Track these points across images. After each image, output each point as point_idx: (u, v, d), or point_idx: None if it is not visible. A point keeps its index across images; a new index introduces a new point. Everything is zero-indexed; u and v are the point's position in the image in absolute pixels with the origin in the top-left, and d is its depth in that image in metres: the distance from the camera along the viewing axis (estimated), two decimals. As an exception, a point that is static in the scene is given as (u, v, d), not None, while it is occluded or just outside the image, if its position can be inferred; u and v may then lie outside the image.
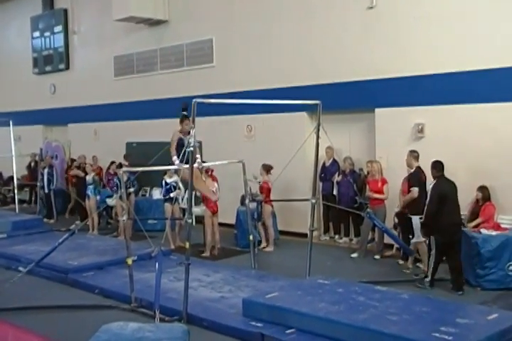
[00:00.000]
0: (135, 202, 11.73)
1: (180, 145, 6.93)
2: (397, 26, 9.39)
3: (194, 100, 6.15)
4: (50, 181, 13.52)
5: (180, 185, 10.22)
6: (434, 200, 7.26)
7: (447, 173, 8.29)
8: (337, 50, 10.22)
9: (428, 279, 7.43)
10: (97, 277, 8.08)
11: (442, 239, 7.26)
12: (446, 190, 7.30)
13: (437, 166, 7.51)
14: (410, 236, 8.40)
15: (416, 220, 7.98)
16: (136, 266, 7.27)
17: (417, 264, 8.49)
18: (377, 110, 9.72)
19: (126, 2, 12.90)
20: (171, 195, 10.18)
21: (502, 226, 7.88)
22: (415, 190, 8.06)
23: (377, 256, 9.22)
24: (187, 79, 12.82)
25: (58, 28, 16.47)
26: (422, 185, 8.12)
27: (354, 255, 9.35)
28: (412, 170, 8.23)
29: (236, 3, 11.87)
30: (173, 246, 10.00)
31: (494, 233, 7.56)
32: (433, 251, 7.35)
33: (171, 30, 13.37)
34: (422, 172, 8.23)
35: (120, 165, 11.52)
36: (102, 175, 12.89)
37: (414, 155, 8.29)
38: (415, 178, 8.19)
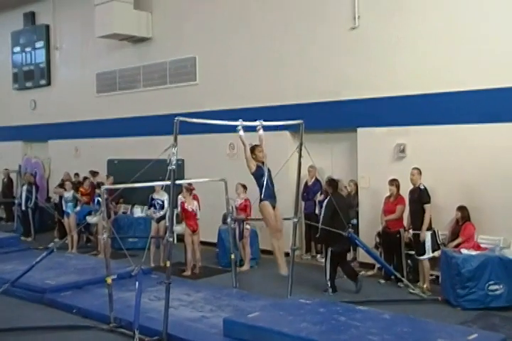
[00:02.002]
0: (116, 219, 11.63)
1: (259, 175, 6.79)
2: (379, 47, 9.52)
3: (176, 118, 6.13)
4: (28, 198, 13.35)
5: (166, 203, 10.15)
6: (328, 216, 8.12)
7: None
8: (320, 70, 10.31)
9: (329, 286, 8.25)
10: (75, 296, 7.92)
11: (338, 249, 8.18)
12: (339, 206, 7.98)
13: (332, 184, 8.44)
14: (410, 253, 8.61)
15: (428, 236, 8.14)
16: (116, 285, 7.15)
17: (399, 284, 8.50)
18: (359, 130, 9.80)
19: (109, 19, 12.95)
20: (147, 212, 10.15)
21: (482, 246, 7.94)
22: (428, 207, 8.15)
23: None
24: (170, 97, 12.84)
25: (40, 44, 16.41)
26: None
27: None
28: (422, 187, 8.24)
29: (220, 21, 11.95)
30: (152, 264, 9.90)
31: (474, 253, 7.62)
32: (328, 261, 8.28)
33: (154, 48, 13.40)
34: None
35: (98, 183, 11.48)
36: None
37: (419, 172, 8.37)
38: (426, 194, 8.22)
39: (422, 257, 8.23)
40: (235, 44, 11.67)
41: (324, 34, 10.24)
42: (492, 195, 8.30)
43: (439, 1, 8.85)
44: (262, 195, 6.74)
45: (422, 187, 8.25)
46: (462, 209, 8.11)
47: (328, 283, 8.30)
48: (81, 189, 12.29)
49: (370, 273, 9.33)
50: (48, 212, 13.63)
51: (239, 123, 6.68)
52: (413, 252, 8.59)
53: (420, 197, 8.20)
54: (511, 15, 8.18)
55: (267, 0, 11.10)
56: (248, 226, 9.98)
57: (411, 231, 8.44)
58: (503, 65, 8.21)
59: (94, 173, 13.36)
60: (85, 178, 12.97)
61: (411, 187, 8.47)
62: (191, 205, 9.69)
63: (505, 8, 8.24)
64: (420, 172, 8.32)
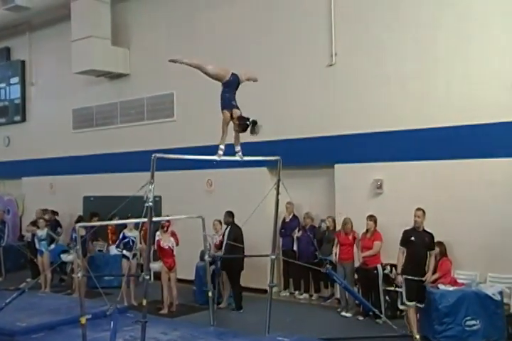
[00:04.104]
0: (91, 257, 11.45)
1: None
2: (356, 84, 9.71)
3: (154, 155, 6.13)
4: (0, 237, 13.04)
5: (137, 241, 10.05)
6: (231, 240, 9.41)
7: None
8: (297, 106, 10.45)
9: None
10: (47, 338, 7.60)
11: (236, 269, 9.47)
12: (240, 233, 9.47)
13: (231, 215, 9.72)
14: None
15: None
16: (90, 325, 6.95)
17: (377, 320, 8.45)
18: (336, 166, 9.89)
19: (86, 55, 13.01)
20: (127, 254, 9.98)
21: (459, 281, 7.98)
22: (434, 253, 7.72)
23: (348, 314, 9.08)
24: (147, 133, 12.85)
25: (15, 80, 16.38)
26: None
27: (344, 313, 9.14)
28: (430, 232, 7.67)
29: (197, 58, 12.03)
30: (126, 304, 9.70)
31: (451, 288, 7.65)
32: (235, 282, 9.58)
33: (131, 84, 13.47)
34: None
35: (78, 220, 11.30)
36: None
37: (424, 213, 7.74)
38: (432, 238, 7.69)
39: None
40: (212, 81, 11.74)
41: (301, 70, 10.42)
42: (468, 231, 8.38)
43: (414, 38, 9.09)
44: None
45: (429, 231, 7.70)
46: (439, 244, 8.15)
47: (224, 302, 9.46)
48: (109, 227, 11.98)
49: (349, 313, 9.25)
50: (20, 250, 13.32)
51: (217, 157, 6.65)
52: (391, 288, 8.60)
53: (430, 242, 7.66)
54: (484, 52, 8.45)
55: (244, 36, 11.29)
56: None
57: (400, 276, 7.69)
58: (478, 102, 8.42)
59: (54, 212, 13.37)
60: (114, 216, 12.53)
61: (387, 223, 8.51)
62: (167, 242, 9.59)
63: (477, 46, 8.51)
64: (424, 213, 7.75)
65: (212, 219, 9.72)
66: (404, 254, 7.72)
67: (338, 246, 9.23)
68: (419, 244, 7.57)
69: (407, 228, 7.78)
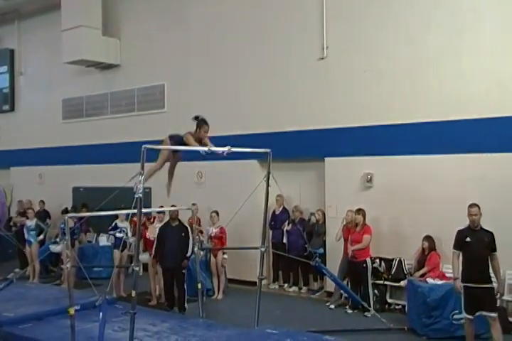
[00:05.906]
0: (81, 248, 11.40)
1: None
2: (347, 78, 9.70)
3: (144, 146, 6.09)
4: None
5: (129, 231, 10.02)
6: (157, 240, 9.10)
7: (394, 223, 8.45)
8: (288, 99, 10.44)
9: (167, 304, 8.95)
10: (35, 329, 7.55)
11: (165, 266, 8.89)
12: (167, 233, 8.88)
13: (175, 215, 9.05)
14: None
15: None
16: (79, 316, 6.90)
17: (365, 313, 8.50)
18: (326, 159, 9.89)
19: (77, 45, 12.91)
20: (130, 240, 9.95)
21: (447, 275, 8.00)
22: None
23: (332, 306, 9.16)
24: (137, 124, 12.78)
25: (3, 69, 16.22)
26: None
27: (332, 306, 9.18)
28: (490, 231, 6.64)
29: (189, 49, 12.04)
30: (115, 295, 9.69)
31: (439, 282, 7.70)
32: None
33: (122, 75, 13.39)
34: None
35: (66, 211, 11.25)
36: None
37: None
38: (493, 237, 6.63)
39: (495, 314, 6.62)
40: (204, 72, 11.74)
41: (293, 63, 10.39)
42: (457, 225, 8.26)
43: (406, 33, 9.09)
44: None
45: (489, 229, 6.68)
46: (428, 238, 8.21)
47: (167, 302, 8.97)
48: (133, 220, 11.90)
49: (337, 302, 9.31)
50: (9, 240, 13.25)
51: (207, 148, 6.61)
52: (380, 282, 8.65)
53: (490, 242, 6.60)
54: (475, 48, 8.47)
55: (236, 28, 11.24)
56: (226, 256, 9.91)
57: (460, 283, 6.68)
58: (469, 98, 8.44)
59: (42, 203, 13.39)
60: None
61: (377, 217, 8.52)
62: (153, 234, 9.57)
63: (468, 42, 8.53)
64: (480, 209, 6.69)
65: (202, 211, 9.71)
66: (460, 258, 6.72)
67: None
68: (476, 245, 6.55)
69: (461, 227, 6.79)
